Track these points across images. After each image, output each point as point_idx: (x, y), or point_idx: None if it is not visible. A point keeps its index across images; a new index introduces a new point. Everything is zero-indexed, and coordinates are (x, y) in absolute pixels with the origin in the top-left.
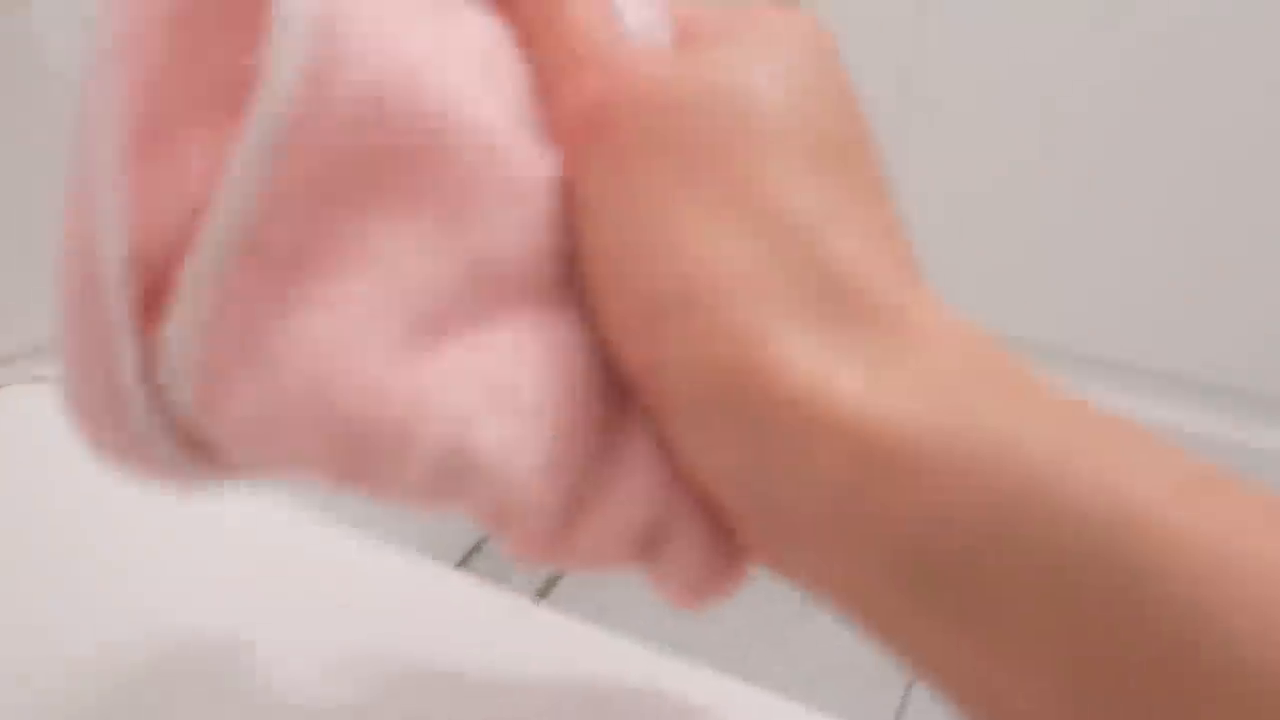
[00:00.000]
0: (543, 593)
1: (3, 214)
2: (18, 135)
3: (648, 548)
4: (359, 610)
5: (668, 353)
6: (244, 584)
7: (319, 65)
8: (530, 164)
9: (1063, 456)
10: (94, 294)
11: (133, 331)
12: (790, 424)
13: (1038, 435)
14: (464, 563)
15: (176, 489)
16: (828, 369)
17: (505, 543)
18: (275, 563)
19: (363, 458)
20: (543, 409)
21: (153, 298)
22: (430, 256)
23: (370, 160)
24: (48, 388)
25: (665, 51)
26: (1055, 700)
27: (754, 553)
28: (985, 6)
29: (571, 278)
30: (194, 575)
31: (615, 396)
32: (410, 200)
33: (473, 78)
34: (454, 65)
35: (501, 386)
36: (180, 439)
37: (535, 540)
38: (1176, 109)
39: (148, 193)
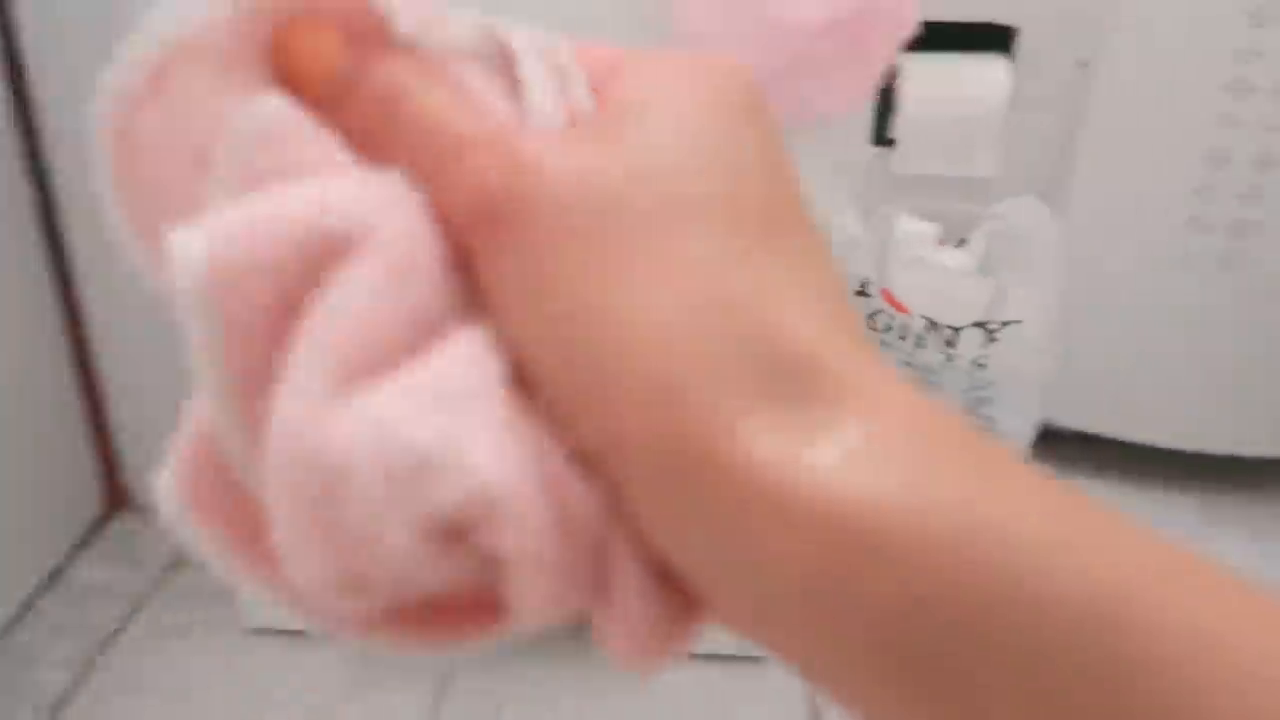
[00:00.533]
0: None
1: None
2: None
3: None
4: None
5: (623, 429)
6: None
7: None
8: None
9: (1041, 540)
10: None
11: None
12: (758, 510)
13: (1012, 515)
14: None
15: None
16: (790, 451)
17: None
18: None
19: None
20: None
21: None
22: None
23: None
24: None
25: (572, 134)
26: None
27: (715, 618)
28: None
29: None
30: None
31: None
32: None
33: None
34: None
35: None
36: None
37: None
38: None
39: None
